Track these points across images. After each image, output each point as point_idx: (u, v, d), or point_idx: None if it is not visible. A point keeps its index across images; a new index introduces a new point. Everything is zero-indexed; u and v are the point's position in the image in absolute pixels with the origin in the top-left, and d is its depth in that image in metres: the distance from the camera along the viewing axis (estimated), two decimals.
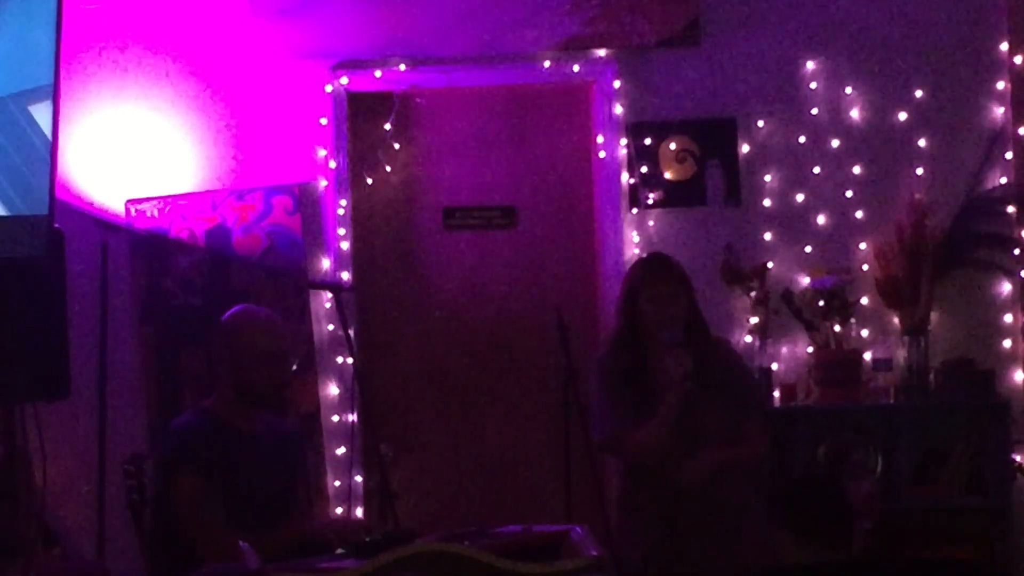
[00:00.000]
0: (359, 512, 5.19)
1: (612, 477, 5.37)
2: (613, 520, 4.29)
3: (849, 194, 5.43)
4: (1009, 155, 5.44)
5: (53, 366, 4.37)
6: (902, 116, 5.44)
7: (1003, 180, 5.43)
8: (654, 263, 4.33)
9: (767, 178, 5.42)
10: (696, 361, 4.10)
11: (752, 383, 4.40)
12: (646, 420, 4.11)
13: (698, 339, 4.19)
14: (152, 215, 5.28)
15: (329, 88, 5.41)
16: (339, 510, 5.18)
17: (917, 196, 5.36)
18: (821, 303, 5.24)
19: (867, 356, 5.31)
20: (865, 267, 5.39)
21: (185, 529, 3.78)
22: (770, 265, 5.35)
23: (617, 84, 5.42)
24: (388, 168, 5.55)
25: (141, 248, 5.28)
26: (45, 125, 4.22)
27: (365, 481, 5.24)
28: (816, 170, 5.43)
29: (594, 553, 3.33)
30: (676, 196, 5.42)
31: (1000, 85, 5.45)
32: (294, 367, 4.13)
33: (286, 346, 4.05)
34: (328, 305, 5.20)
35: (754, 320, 5.28)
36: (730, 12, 5.43)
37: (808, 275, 5.36)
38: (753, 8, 5.45)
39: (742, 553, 4.05)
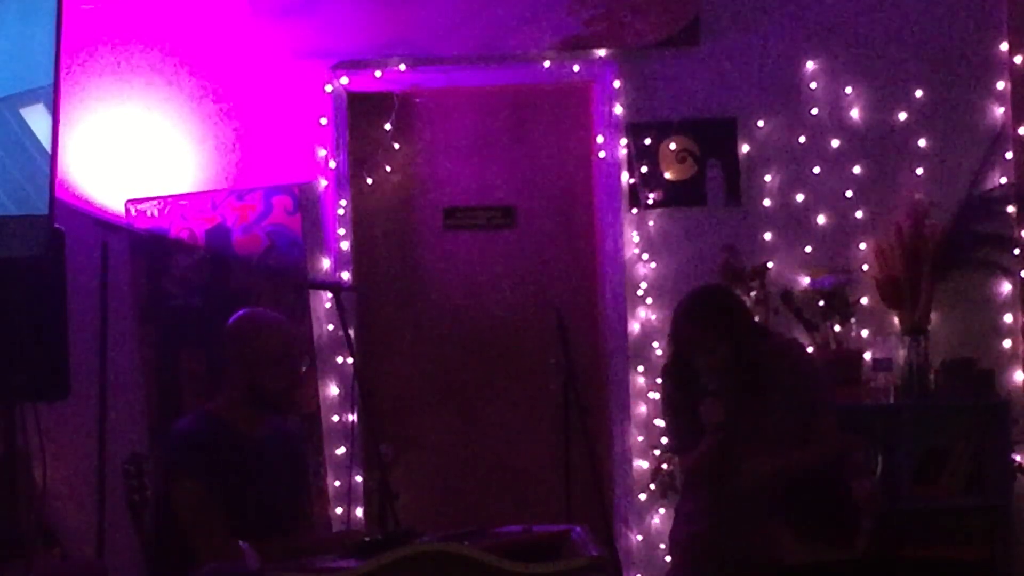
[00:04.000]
0: (359, 512, 5.19)
1: (615, 477, 5.38)
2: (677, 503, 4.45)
3: (849, 194, 5.43)
4: (1009, 155, 5.44)
5: (53, 366, 4.38)
6: (902, 116, 5.44)
7: (1003, 180, 5.43)
8: (683, 311, 4.20)
9: (767, 178, 5.43)
10: (752, 372, 4.08)
11: (821, 384, 4.29)
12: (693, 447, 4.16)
13: (752, 354, 4.12)
14: (152, 215, 5.28)
15: (329, 88, 5.41)
16: (339, 510, 5.18)
17: (917, 196, 5.36)
18: (821, 303, 5.24)
19: (867, 356, 5.31)
20: (865, 267, 5.40)
21: (186, 533, 3.77)
22: (770, 265, 5.35)
23: (617, 84, 5.42)
24: (388, 168, 5.55)
25: (141, 248, 5.28)
26: (38, 128, 4.21)
27: (365, 481, 5.24)
28: (816, 170, 5.43)
29: (594, 553, 3.33)
30: (676, 196, 5.42)
31: (1000, 85, 5.45)
32: (303, 369, 4.11)
33: (296, 349, 4.03)
34: (328, 305, 5.21)
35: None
36: (730, 12, 5.44)
37: (808, 275, 5.36)
38: (753, 8, 5.45)
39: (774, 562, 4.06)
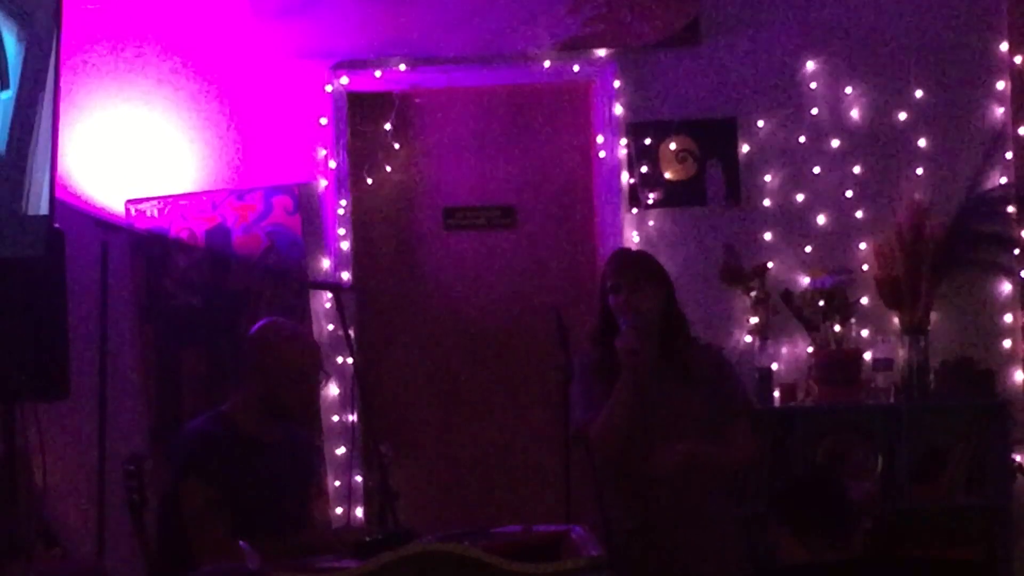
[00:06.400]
0: (359, 512, 5.19)
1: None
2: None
3: (849, 194, 5.43)
4: (1009, 155, 5.44)
5: (53, 366, 4.38)
6: (902, 116, 5.44)
7: (1003, 180, 5.43)
8: (617, 257, 4.25)
9: (767, 178, 5.43)
10: (670, 354, 4.03)
11: (739, 389, 4.18)
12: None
13: (674, 334, 4.09)
14: (152, 215, 5.28)
15: (329, 88, 5.41)
16: (339, 510, 5.18)
17: (917, 196, 5.36)
18: (821, 303, 5.24)
19: (867, 356, 5.31)
20: (865, 267, 5.40)
21: (188, 532, 3.77)
22: (770, 265, 5.36)
23: (617, 84, 5.42)
24: (388, 168, 5.55)
25: (141, 248, 5.28)
26: (36, 131, 4.20)
27: (365, 481, 5.25)
28: (816, 170, 5.43)
29: (594, 553, 3.33)
30: (676, 196, 5.42)
31: (1000, 85, 5.45)
32: (323, 383, 4.09)
33: (315, 364, 4.01)
34: (328, 305, 5.21)
35: (754, 320, 5.29)
36: (730, 12, 5.44)
37: (808, 275, 5.36)
38: (753, 8, 5.45)
39: (705, 566, 4.02)
